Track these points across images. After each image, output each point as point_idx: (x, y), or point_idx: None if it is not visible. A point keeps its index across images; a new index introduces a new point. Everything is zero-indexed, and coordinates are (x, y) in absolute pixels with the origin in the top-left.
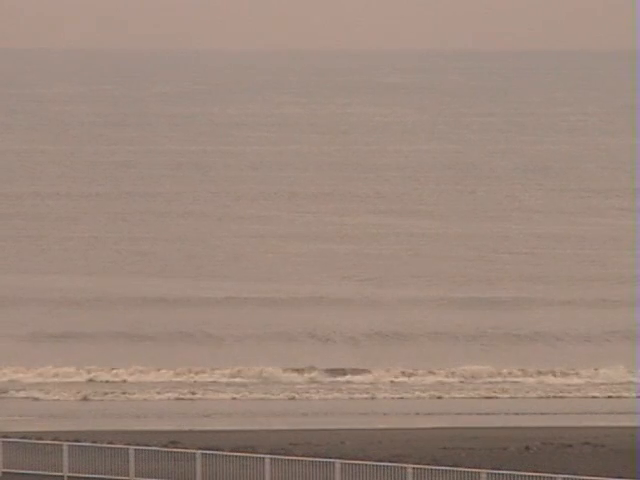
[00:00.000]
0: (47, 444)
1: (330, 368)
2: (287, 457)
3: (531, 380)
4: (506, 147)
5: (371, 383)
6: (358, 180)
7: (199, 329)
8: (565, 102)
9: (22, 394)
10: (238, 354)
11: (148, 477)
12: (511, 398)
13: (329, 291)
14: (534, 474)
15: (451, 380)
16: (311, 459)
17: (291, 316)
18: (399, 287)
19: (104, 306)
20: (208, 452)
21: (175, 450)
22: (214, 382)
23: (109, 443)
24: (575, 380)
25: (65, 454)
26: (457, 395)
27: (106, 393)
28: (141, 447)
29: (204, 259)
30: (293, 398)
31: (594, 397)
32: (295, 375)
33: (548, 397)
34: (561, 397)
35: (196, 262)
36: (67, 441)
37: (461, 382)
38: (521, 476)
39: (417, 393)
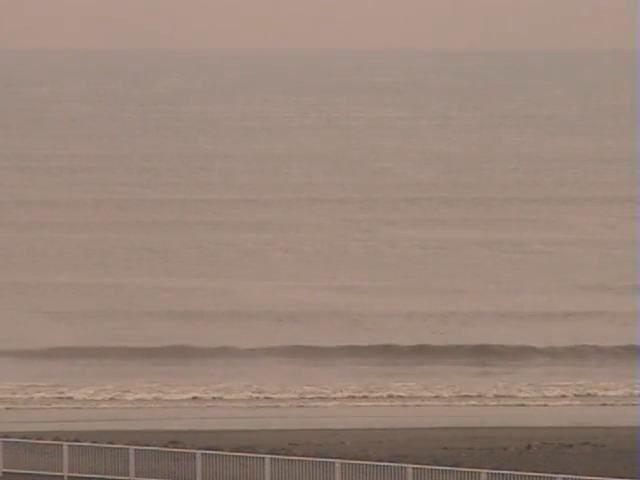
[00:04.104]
0: (47, 444)
1: None
2: (287, 457)
3: None
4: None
5: None
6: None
7: None
8: (562, 102)
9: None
10: None
11: (148, 477)
12: None
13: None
14: (534, 474)
15: None
16: (311, 459)
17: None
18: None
19: None
20: (208, 452)
21: (175, 450)
22: None
23: (109, 443)
24: None
25: (65, 454)
26: None
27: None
28: (141, 447)
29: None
30: None
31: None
32: None
33: None
34: None
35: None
36: (67, 441)
37: None
38: (521, 476)
39: None
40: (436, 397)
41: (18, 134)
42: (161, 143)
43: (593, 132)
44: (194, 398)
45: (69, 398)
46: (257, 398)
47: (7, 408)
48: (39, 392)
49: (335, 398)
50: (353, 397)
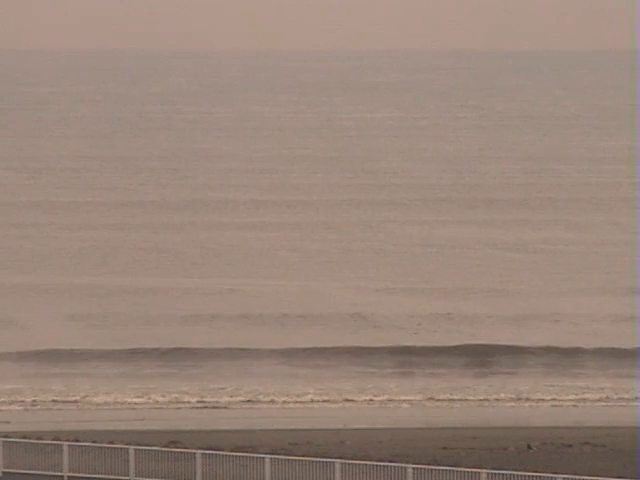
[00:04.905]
0: (47, 444)
1: None
2: (287, 457)
3: None
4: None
5: None
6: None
7: None
8: (562, 102)
9: None
10: None
11: (148, 477)
12: None
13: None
14: (534, 474)
15: None
16: (311, 459)
17: None
18: None
19: None
20: (208, 452)
21: (175, 450)
22: None
23: (109, 443)
24: None
25: (65, 454)
26: None
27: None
28: (141, 447)
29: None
30: None
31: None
32: None
33: None
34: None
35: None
36: (67, 441)
37: None
38: (521, 476)
39: None
40: (436, 397)
41: (18, 134)
42: (161, 143)
43: (593, 132)
44: (195, 399)
45: (69, 399)
46: (257, 398)
47: (24, 410)
48: (39, 392)
49: (335, 398)
50: (353, 397)
